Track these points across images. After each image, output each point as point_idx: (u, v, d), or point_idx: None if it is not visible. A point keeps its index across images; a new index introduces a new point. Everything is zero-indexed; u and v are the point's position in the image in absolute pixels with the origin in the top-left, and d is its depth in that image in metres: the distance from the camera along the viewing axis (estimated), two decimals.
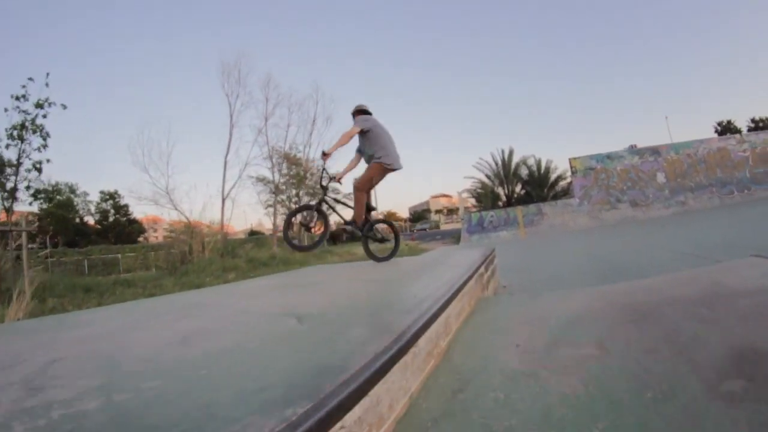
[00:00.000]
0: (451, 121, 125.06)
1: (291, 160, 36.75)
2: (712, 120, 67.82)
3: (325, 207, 5.29)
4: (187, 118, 60.75)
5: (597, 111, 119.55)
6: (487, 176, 27.86)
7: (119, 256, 30.35)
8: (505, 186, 27.57)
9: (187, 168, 46.38)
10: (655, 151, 17.72)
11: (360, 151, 5.27)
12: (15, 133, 11.24)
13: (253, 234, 40.58)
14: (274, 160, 32.41)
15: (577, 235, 13.74)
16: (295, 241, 6.11)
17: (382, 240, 5.46)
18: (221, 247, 19.65)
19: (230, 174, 33.84)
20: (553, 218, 17.54)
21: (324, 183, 5.29)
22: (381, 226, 5.57)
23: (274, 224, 31.04)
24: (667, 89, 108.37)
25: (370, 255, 5.43)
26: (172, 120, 58.14)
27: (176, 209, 22.26)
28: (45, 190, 37.25)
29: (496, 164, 27.74)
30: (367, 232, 5.27)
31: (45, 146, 11.32)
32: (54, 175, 53.78)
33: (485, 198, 26.52)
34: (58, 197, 39.24)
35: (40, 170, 11.21)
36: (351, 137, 5.00)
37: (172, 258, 19.11)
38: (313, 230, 5.29)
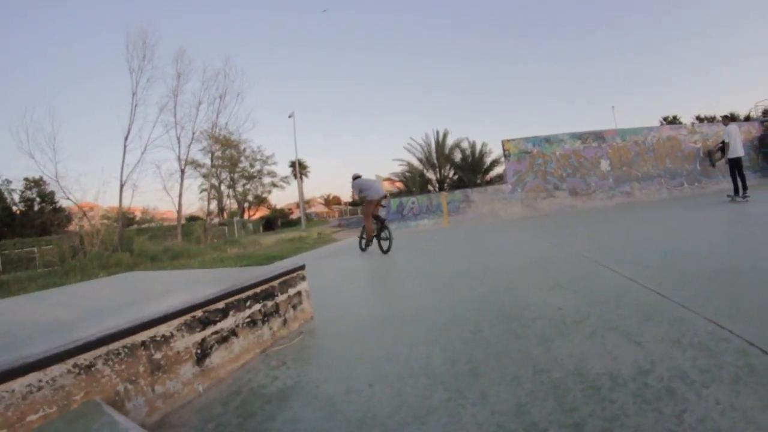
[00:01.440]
0: (388, 99, 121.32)
1: (224, 143, 35.07)
2: (658, 114, 68.34)
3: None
4: (81, 99, 58.59)
5: (540, 94, 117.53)
6: (419, 159, 26.50)
7: (35, 249, 27.76)
8: (437, 170, 26.19)
9: (83, 152, 44.08)
10: (599, 136, 16.50)
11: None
12: None
13: (192, 220, 39.25)
14: (204, 143, 30.76)
15: (505, 225, 12.77)
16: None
17: (386, 238, 8.95)
18: (114, 240, 18.12)
19: (133, 157, 31.84)
20: (482, 206, 16.06)
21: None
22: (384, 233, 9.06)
23: (208, 209, 29.30)
24: (614, 79, 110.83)
25: (381, 250, 8.99)
26: (66, 100, 55.51)
27: (68, 197, 20.51)
28: None
29: (428, 146, 26.39)
30: (378, 236, 9.16)
31: None
32: None
33: (413, 183, 25.10)
34: None
35: None
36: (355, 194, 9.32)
37: (62, 252, 17.79)
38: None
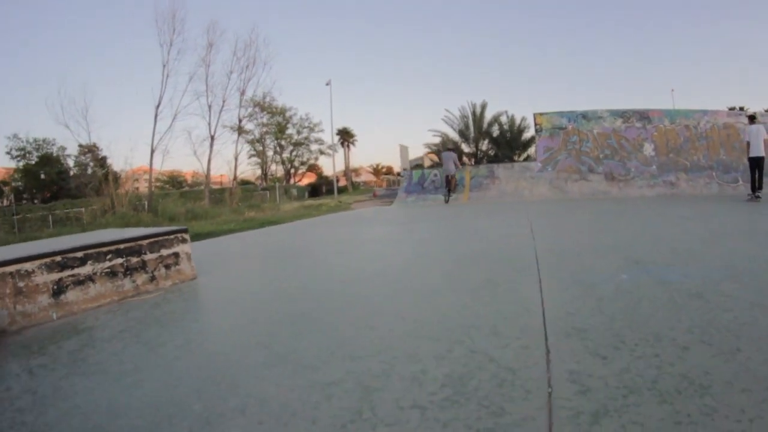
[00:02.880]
0: (428, 69, 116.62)
1: (270, 110, 36.21)
2: (723, 104, 63.55)
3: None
4: (113, 72, 66.94)
5: (591, 67, 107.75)
6: (460, 131, 25.94)
7: (83, 210, 29.58)
8: (472, 144, 25.62)
9: (115, 121, 47.96)
10: (644, 115, 15.50)
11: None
12: None
13: (243, 184, 41.90)
14: (247, 110, 32.05)
15: (525, 207, 11.73)
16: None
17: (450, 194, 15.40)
18: (141, 202, 19.46)
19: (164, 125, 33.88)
20: (506, 183, 15.58)
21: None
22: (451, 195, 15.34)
23: (234, 174, 30.17)
24: (677, 62, 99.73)
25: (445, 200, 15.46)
26: (98, 72, 62.17)
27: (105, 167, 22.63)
28: (21, 149, 38.46)
29: (465, 119, 25.81)
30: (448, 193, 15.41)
31: None
32: (33, 132, 55.51)
33: None
34: (36, 154, 41.11)
35: None
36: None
37: (94, 212, 19.18)
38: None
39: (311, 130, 51.53)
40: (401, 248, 6.15)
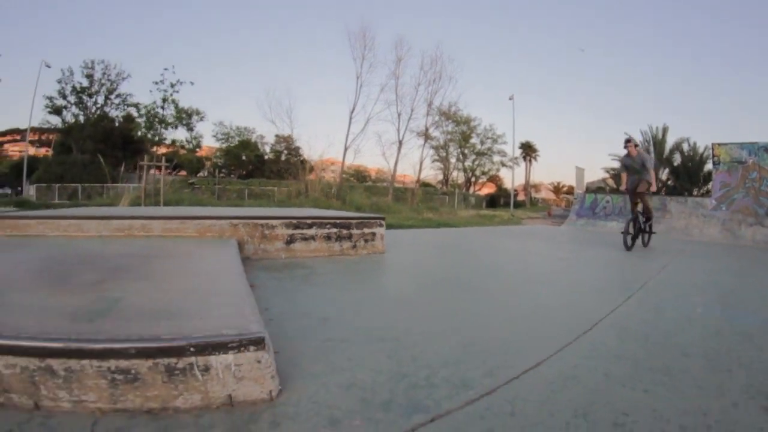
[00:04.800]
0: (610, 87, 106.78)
1: (454, 118, 39.71)
2: None
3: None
4: (315, 80, 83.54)
5: None
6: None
7: (275, 189, 35.71)
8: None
9: (313, 122, 56.60)
10: None
11: (632, 171, 8.55)
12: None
13: (424, 186, 46.82)
14: (434, 118, 36.26)
15: (692, 248, 10.30)
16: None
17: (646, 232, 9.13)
18: (331, 190, 23.34)
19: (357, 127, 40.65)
20: (677, 219, 15.78)
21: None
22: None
23: (418, 177, 34.45)
24: None
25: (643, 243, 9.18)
26: (301, 80, 78.09)
27: (297, 156, 28.06)
28: (225, 133, 49.34)
29: (646, 143, 25.63)
30: (634, 232, 8.49)
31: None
32: (234, 120, 68.72)
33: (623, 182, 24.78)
34: (237, 138, 50.62)
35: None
36: None
37: (290, 192, 23.78)
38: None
39: (494, 141, 53.81)
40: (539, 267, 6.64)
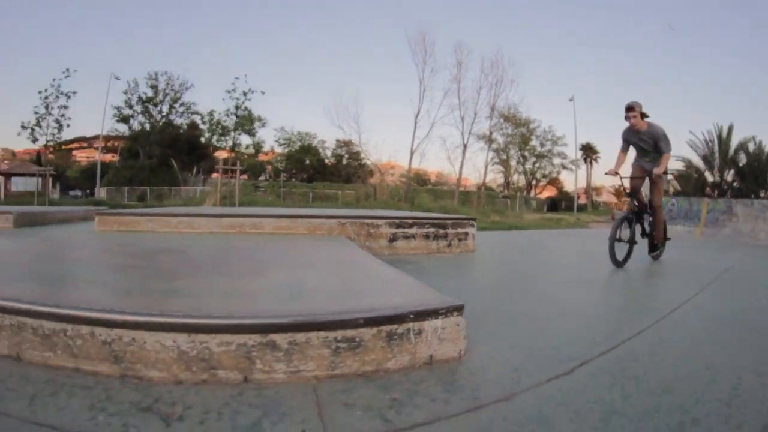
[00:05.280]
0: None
1: (514, 121, 39.95)
2: None
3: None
4: (379, 85, 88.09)
5: None
6: (703, 157, 25.10)
7: (339, 192, 36.76)
8: (716, 172, 24.45)
9: (378, 126, 57.88)
10: None
11: (640, 150, 6.06)
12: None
13: (487, 189, 47.67)
14: (496, 121, 36.79)
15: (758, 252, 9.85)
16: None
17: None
18: (399, 193, 24.08)
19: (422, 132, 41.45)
20: (743, 222, 15.35)
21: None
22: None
23: (483, 182, 34.90)
24: None
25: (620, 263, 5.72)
26: (366, 86, 77.41)
27: (367, 159, 29.26)
28: (287, 138, 51.80)
29: (710, 143, 24.85)
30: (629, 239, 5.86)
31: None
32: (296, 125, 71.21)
33: (687, 183, 24.10)
34: (299, 144, 52.80)
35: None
36: None
37: (358, 195, 24.78)
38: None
39: (554, 143, 53.33)
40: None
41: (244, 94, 25.38)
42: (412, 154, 31.67)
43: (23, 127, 29.55)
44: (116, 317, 1.78)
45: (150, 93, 44.93)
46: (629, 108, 5.65)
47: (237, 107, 25.92)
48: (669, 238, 6.85)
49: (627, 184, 5.97)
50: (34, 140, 30.14)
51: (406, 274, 3.10)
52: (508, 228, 15.66)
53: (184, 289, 2.59)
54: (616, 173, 6.05)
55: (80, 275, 3.18)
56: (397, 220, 6.11)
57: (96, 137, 58.22)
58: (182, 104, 46.42)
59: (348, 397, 1.67)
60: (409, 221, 6.18)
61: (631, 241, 5.75)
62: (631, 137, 5.99)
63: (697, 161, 26.15)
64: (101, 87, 53.80)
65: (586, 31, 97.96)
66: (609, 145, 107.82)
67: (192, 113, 46.25)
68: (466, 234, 6.61)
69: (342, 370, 1.82)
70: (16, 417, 1.45)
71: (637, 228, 5.99)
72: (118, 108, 43.39)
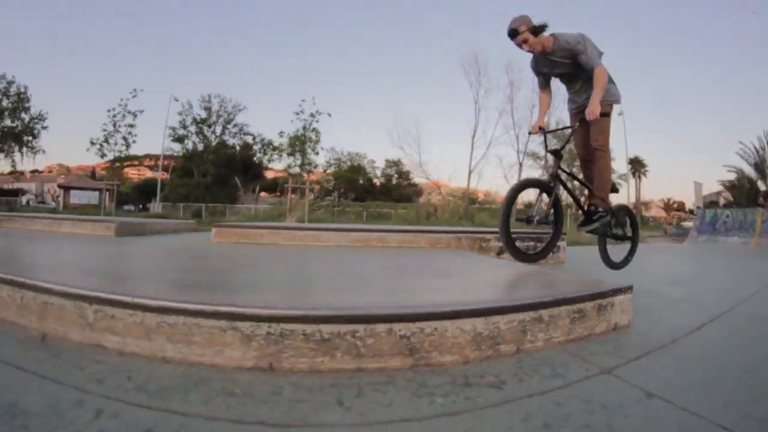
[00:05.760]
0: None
1: (563, 138, 41.47)
2: None
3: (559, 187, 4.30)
4: (436, 107, 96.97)
5: None
6: (755, 165, 24.87)
7: (392, 211, 38.17)
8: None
9: (436, 146, 60.36)
10: None
11: (563, 80, 4.54)
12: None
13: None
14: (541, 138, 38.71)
15: None
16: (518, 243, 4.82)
17: (623, 237, 4.87)
18: (461, 212, 25.24)
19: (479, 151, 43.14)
20: None
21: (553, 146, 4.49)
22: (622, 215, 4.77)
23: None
24: None
25: (607, 262, 4.89)
26: (423, 108, 79.83)
27: (428, 178, 30.87)
28: (337, 159, 53.60)
29: (762, 151, 24.71)
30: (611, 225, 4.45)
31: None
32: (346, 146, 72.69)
33: (740, 193, 23.98)
34: (349, 163, 55.54)
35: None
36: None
37: (418, 215, 26.18)
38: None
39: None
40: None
41: (312, 115, 26.85)
42: (470, 173, 33.74)
43: (92, 143, 31.82)
44: (418, 311, 1.98)
45: (203, 114, 48.08)
46: (512, 34, 3.94)
47: (305, 128, 27.62)
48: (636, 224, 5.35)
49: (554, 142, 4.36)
50: (102, 155, 32.40)
51: (563, 270, 3.93)
52: (570, 244, 15.95)
53: (429, 285, 3.28)
54: (540, 129, 4.65)
55: (317, 282, 3.50)
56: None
57: (146, 156, 61.95)
58: (235, 125, 49.21)
59: (581, 352, 2.28)
60: (513, 236, 6.94)
61: (543, 221, 4.34)
62: (540, 66, 4.42)
63: (749, 170, 25.97)
64: (154, 107, 57.76)
65: (635, 45, 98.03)
66: (654, 157, 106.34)
67: (245, 134, 49.19)
68: (559, 247, 7.36)
69: (572, 336, 2.43)
70: None
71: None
72: (173, 128, 46.44)
